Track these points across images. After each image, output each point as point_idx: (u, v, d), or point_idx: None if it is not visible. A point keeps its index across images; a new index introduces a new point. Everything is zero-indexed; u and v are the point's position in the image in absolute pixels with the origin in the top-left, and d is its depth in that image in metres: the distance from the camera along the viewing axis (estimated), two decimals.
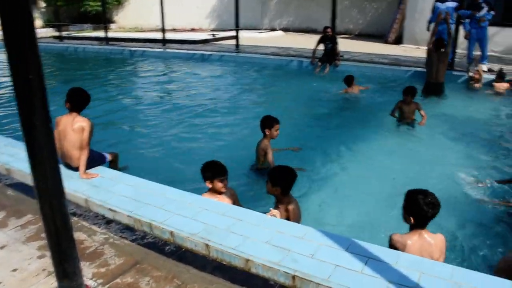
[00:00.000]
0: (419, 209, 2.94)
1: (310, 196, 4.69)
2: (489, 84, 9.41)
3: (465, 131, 6.72)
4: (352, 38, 17.78)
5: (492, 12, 10.41)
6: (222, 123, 7.35)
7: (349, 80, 9.02)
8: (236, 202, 3.99)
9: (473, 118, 7.50)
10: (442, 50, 8.80)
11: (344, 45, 14.46)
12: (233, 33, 14.17)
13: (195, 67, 12.37)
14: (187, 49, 14.03)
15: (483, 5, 10.41)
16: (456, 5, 10.30)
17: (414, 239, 3.00)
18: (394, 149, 6.08)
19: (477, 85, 9.40)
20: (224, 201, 3.82)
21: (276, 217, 3.52)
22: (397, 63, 11.22)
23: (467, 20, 10.47)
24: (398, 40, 16.18)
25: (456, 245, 3.73)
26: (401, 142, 6.50)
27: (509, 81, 9.25)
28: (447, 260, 3.10)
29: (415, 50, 14.13)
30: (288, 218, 3.60)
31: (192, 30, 20.27)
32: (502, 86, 9.19)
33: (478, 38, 10.65)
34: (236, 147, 6.17)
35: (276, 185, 3.62)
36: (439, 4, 10.44)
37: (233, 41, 14.44)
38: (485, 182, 4.83)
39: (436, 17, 9.52)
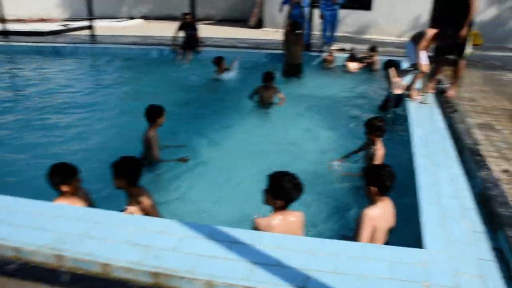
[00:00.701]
0: (285, 191, 2.99)
1: (175, 186, 4.57)
2: (342, 64, 10.18)
3: (321, 110, 7.17)
4: (214, 24, 17.84)
5: None
6: (79, 121, 6.81)
7: (218, 61, 9.11)
8: (91, 203, 3.71)
9: (328, 96, 8.03)
10: (298, 32, 9.23)
11: (206, 31, 14.41)
12: (88, 22, 13.18)
13: (45, 61, 11.22)
14: (35, 42, 12.68)
15: None
16: None
17: (278, 219, 3.06)
18: (255, 132, 6.25)
19: (330, 65, 10.09)
20: (78, 204, 3.52)
21: (134, 214, 3.34)
22: (258, 47, 11.52)
23: (322, 2, 11.13)
24: (260, 24, 16.65)
25: (314, 219, 3.91)
26: (262, 124, 6.70)
27: (359, 60, 10.09)
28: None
29: (275, 33, 14.64)
30: (146, 213, 3.43)
31: (41, 20, 18.46)
32: (353, 65, 10.00)
33: (330, 20, 11.43)
34: (101, 144, 5.84)
35: (119, 177, 3.42)
36: None
37: (89, 32, 13.46)
38: (340, 159, 5.15)
39: (290, 0, 9.98)
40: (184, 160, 4.97)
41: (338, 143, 5.74)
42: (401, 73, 6.71)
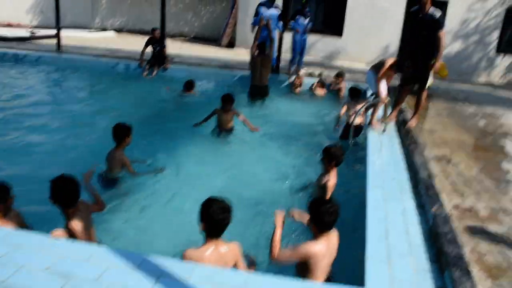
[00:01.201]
0: (215, 220, 2.83)
1: (121, 209, 4.33)
2: (310, 89, 10.17)
3: (282, 135, 6.97)
4: (187, 41, 17.72)
5: (311, 23, 11.38)
6: (35, 135, 6.46)
7: (189, 85, 9.10)
8: (23, 224, 3.44)
9: (291, 121, 7.88)
10: (265, 54, 9.19)
11: (177, 48, 14.31)
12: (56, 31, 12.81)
13: (5, 69, 10.79)
14: None
15: (308, 14, 11.25)
16: (279, 13, 10.86)
17: (210, 250, 2.87)
18: (208, 157, 5.97)
19: (297, 89, 10.05)
20: (7, 226, 3.24)
21: (60, 236, 3.09)
22: (226, 66, 11.42)
23: (292, 22, 11.17)
24: (232, 44, 16.62)
25: (259, 246, 3.73)
26: (217, 149, 6.43)
27: (326, 86, 10.11)
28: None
29: (247, 54, 14.60)
30: (74, 236, 3.19)
31: (8, 25, 17.93)
32: (321, 91, 10.01)
33: (300, 45, 11.48)
34: (53, 159, 5.54)
35: (52, 196, 3.19)
36: (262, 10, 10.85)
37: (55, 41, 13.07)
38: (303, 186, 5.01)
39: (259, 21, 9.93)
40: (160, 170, 5.10)
41: (296, 171, 5.59)
42: (362, 102, 6.68)
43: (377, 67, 6.49)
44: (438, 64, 6.60)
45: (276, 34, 10.64)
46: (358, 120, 6.58)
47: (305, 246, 2.98)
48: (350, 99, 7.02)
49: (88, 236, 3.28)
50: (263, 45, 9.26)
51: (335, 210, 3.00)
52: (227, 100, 6.75)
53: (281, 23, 10.90)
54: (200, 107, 8.28)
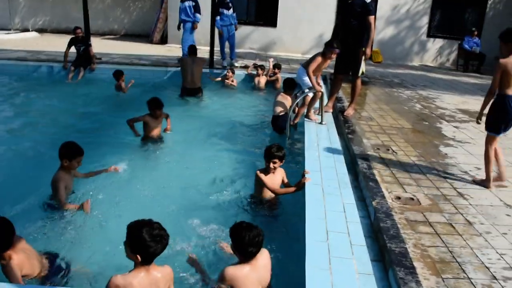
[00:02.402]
0: (144, 245, 2.42)
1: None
2: (248, 80, 9.90)
3: (218, 134, 6.60)
4: (117, 39, 16.88)
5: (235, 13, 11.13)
6: None
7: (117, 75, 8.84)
8: None
9: (227, 118, 7.51)
10: (195, 56, 8.87)
11: (107, 46, 13.54)
12: None
13: None
14: None
15: (231, 5, 10.89)
16: (194, 5, 10.74)
17: (140, 277, 2.48)
18: (139, 167, 5.23)
19: (231, 83, 9.72)
20: None
21: None
22: (158, 64, 10.88)
23: (218, 18, 10.78)
24: (164, 40, 16.02)
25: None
26: (148, 156, 5.76)
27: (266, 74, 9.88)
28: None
29: (179, 50, 14.09)
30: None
31: None
32: (263, 80, 9.74)
33: (228, 36, 11.14)
34: None
35: None
36: (180, 4, 10.85)
37: None
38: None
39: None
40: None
41: (236, 171, 5.23)
42: (295, 94, 6.45)
43: (307, 64, 6.28)
44: (369, 50, 6.50)
45: (189, 26, 10.82)
46: (279, 111, 6.40)
47: (228, 272, 2.68)
48: (284, 90, 6.76)
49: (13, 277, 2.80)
50: (193, 47, 8.99)
51: (260, 241, 2.72)
52: (156, 106, 5.92)
53: (197, 15, 10.77)
54: (129, 108, 7.72)
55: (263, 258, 2.84)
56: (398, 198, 3.90)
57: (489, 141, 4.28)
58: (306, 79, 6.20)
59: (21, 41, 14.60)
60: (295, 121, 6.60)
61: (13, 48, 12.58)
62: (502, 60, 4.01)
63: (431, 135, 6.04)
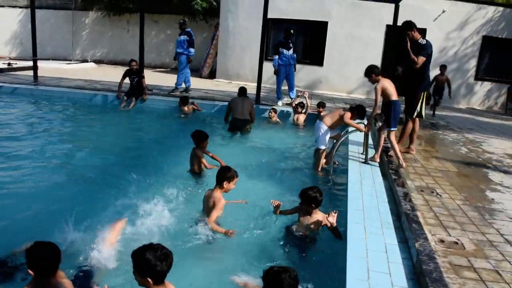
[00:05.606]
0: (150, 266, 2.58)
1: None
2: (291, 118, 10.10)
3: (266, 164, 6.77)
4: (168, 72, 17.65)
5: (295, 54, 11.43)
6: (10, 171, 6.05)
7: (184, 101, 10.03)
8: None
9: (270, 153, 7.65)
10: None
11: (157, 79, 14.17)
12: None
13: None
14: None
15: (291, 45, 11.21)
16: (187, 40, 11.44)
17: None
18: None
19: (274, 119, 9.93)
20: None
21: None
22: (207, 97, 11.29)
23: (276, 57, 11.11)
24: (213, 75, 16.58)
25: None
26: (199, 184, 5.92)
27: (304, 112, 10.02)
28: None
29: (227, 85, 14.57)
30: None
31: None
32: (299, 118, 9.89)
33: (286, 74, 11.42)
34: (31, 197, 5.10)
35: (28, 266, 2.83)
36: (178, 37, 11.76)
37: (32, 72, 12.83)
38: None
39: None
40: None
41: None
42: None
43: (327, 119, 6.57)
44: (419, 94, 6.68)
45: (183, 59, 11.58)
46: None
47: None
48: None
49: None
50: (243, 88, 9.31)
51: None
52: (202, 138, 6.05)
53: (191, 49, 11.49)
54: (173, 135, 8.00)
55: None
56: (442, 241, 3.86)
57: None
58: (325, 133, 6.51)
59: (80, 71, 15.56)
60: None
61: (72, 77, 13.43)
62: None
63: (477, 179, 5.94)
